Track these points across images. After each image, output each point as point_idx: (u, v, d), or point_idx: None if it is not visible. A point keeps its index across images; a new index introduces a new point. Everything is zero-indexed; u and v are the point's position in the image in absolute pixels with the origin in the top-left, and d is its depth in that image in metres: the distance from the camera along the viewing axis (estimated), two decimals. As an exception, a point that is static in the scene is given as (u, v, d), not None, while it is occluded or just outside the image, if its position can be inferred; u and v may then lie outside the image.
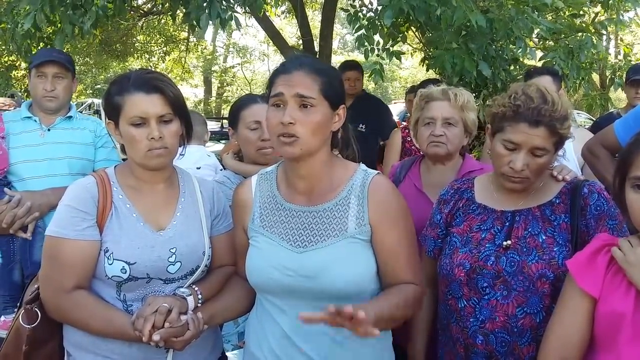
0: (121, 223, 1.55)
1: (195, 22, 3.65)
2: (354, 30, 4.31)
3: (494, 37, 3.96)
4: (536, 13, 3.75)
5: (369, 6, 4.57)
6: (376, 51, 4.34)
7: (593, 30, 4.40)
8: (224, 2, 3.54)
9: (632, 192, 1.32)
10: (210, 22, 3.64)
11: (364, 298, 1.49)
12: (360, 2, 4.44)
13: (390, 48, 4.36)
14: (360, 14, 4.28)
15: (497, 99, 1.65)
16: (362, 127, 4.02)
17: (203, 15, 3.49)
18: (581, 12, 4.75)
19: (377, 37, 4.28)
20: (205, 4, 3.52)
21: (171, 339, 1.44)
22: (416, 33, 5.67)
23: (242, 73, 22.66)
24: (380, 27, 4.16)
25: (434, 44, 4.30)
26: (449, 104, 2.13)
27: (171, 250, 1.57)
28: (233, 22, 3.80)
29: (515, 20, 3.61)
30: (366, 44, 4.18)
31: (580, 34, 4.33)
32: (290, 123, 1.40)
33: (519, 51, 3.99)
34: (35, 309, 1.55)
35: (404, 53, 4.61)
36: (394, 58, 4.33)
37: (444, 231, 1.76)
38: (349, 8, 4.47)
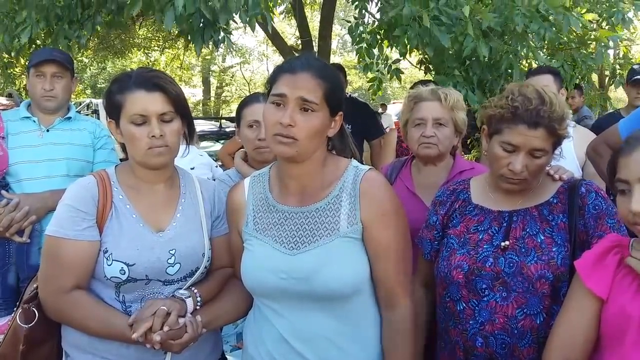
0: (121, 224, 1.55)
1: (190, 39, 3.66)
2: (354, 43, 4.33)
3: (494, 67, 4.00)
4: (543, 28, 3.76)
5: (370, 17, 4.59)
6: (375, 66, 4.36)
7: (593, 46, 4.43)
8: (216, 24, 3.52)
9: (618, 195, 1.32)
10: (204, 44, 3.64)
11: (360, 298, 1.47)
12: (361, 13, 4.44)
13: (392, 65, 4.39)
14: (360, 27, 4.27)
15: (494, 100, 1.63)
16: (348, 128, 4.15)
17: (198, 40, 3.49)
18: (585, 25, 4.77)
19: (376, 51, 4.33)
20: (200, 26, 3.51)
21: (169, 342, 1.43)
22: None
23: (241, 73, 22.65)
24: (380, 42, 4.21)
25: (435, 68, 4.34)
26: (439, 105, 2.13)
27: (170, 251, 1.56)
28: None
29: (518, 53, 3.66)
30: (367, 58, 4.22)
31: (583, 49, 4.37)
32: (290, 125, 1.38)
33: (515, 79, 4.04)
34: (33, 308, 1.54)
35: (403, 72, 4.66)
36: (394, 65, 4.38)
37: (440, 233, 1.75)
38: (351, 20, 4.47)
